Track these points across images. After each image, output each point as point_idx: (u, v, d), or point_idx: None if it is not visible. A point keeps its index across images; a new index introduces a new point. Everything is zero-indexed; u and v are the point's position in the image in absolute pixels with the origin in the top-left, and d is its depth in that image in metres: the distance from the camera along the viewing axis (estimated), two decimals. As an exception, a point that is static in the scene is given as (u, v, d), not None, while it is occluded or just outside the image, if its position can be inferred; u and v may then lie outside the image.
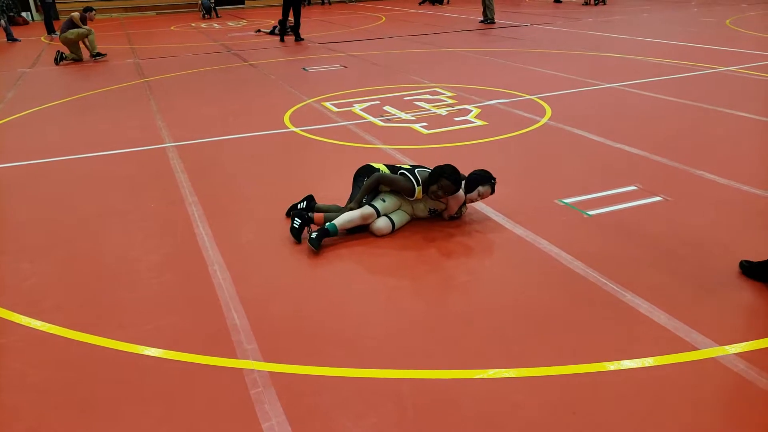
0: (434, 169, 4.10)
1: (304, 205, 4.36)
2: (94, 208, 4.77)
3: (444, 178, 4.01)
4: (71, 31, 11.63)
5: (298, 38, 13.82)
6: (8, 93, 9.24)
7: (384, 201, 4.13)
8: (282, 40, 13.87)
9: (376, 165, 4.32)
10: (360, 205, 4.11)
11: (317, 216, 4.16)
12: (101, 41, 14.44)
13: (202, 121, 7.26)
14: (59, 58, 11.66)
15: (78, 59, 11.88)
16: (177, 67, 10.94)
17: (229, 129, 6.81)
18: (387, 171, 4.24)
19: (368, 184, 4.12)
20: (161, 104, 8.14)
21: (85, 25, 11.88)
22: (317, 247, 3.88)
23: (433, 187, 4.08)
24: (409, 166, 4.26)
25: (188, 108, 7.97)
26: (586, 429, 2.42)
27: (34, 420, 2.57)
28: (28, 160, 6.00)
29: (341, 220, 4.03)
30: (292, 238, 4.08)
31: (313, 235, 3.92)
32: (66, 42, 11.70)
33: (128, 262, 3.89)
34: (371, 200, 4.15)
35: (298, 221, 4.09)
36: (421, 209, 4.28)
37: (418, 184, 4.10)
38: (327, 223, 4.03)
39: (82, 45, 12.10)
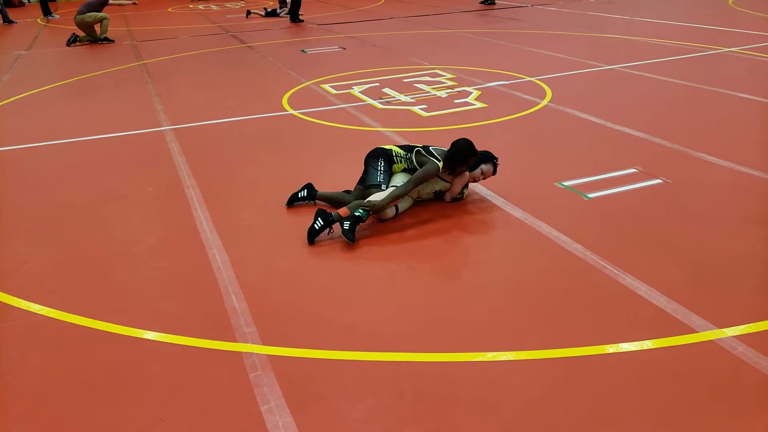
0: (460, 148, 4.05)
1: (305, 193, 4.30)
2: (91, 192, 4.75)
3: (481, 161, 4.20)
4: (90, 14, 11.49)
5: (295, 19, 13.69)
6: (4, 76, 9.17)
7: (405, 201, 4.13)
8: (293, 20, 13.79)
9: (387, 147, 4.27)
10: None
11: (342, 211, 3.92)
12: (98, 23, 14.30)
13: (200, 103, 7.22)
14: (72, 40, 11.55)
15: (94, 40, 11.77)
16: (174, 50, 10.85)
17: (227, 112, 6.77)
18: (400, 151, 4.21)
19: (405, 190, 3.95)
20: (159, 87, 8.08)
21: (102, 11, 11.72)
22: (353, 239, 3.73)
23: (461, 168, 4.10)
24: (420, 146, 4.22)
25: (186, 91, 7.92)
26: (584, 411, 2.42)
27: (32, 402, 2.58)
28: (25, 143, 5.97)
29: (378, 201, 3.89)
30: (305, 235, 3.84)
31: (346, 225, 3.75)
32: (81, 24, 11.53)
33: (126, 245, 3.88)
34: (389, 184, 4.11)
35: (320, 223, 3.80)
36: (427, 191, 4.25)
37: (439, 161, 4.06)
38: (357, 210, 3.85)
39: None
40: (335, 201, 4.25)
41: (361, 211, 3.86)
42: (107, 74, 9.04)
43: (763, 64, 8.09)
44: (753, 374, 2.59)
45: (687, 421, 2.36)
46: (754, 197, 4.25)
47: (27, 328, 3.10)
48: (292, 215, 4.20)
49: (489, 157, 4.28)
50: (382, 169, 4.16)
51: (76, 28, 11.72)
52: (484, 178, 4.31)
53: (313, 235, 3.79)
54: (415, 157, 4.14)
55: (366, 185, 4.14)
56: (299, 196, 4.31)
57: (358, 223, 3.84)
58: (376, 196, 3.94)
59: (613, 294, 3.19)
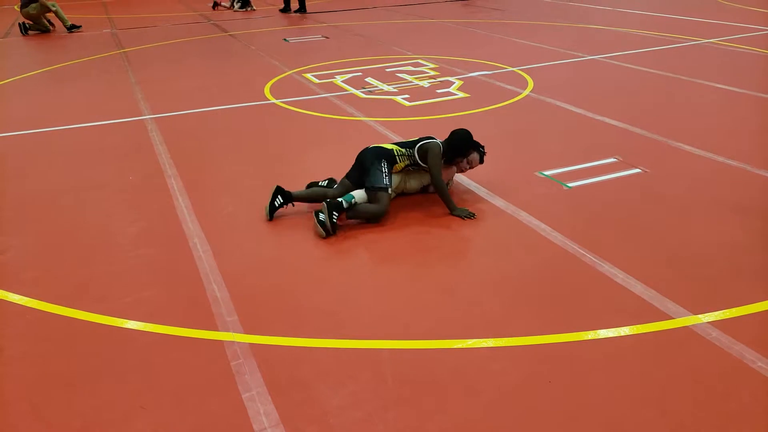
0: (457, 139, 4.11)
1: (280, 200, 3.98)
2: (71, 181, 4.70)
3: (475, 151, 4.17)
4: (32, 6, 11.17)
5: (302, 10, 13.48)
6: (-19, 63, 9.02)
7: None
8: (286, 11, 13.58)
9: (387, 147, 4.09)
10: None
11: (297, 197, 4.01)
12: (77, 11, 14.11)
13: (181, 92, 7.16)
14: (24, 29, 11.33)
15: (45, 30, 11.53)
16: (155, 38, 10.73)
17: (209, 101, 6.72)
18: (401, 150, 4.08)
19: (443, 194, 4.00)
20: (140, 75, 7.99)
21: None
22: (334, 229, 3.74)
23: (459, 159, 4.15)
24: (416, 139, 4.17)
25: (167, 79, 7.85)
26: (561, 397, 2.47)
27: (11, 393, 2.57)
28: (4, 132, 5.88)
29: (362, 206, 3.91)
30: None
31: (322, 217, 3.70)
32: (28, 16, 11.32)
33: (107, 234, 3.86)
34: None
35: (280, 200, 3.93)
36: (413, 186, 4.23)
37: (436, 139, 4.14)
38: (343, 197, 3.89)
39: (53, 18, 11.73)
40: (315, 197, 4.06)
41: (346, 196, 3.92)
42: (87, 62, 8.93)
43: (743, 56, 8.19)
44: (726, 359, 2.64)
45: (663, 404, 2.41)
46: (730, 186, 4.32)
47: (6, 317, 3.07)
48: (274, 204, 4.19)
49: (476, 146, 4.21)
50: (386, 170, 3.97)
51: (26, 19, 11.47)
52: (470, 167, 4.22)
53: (273, 211, 3.95)
54: (417, 152, 4.05)
55: (372, 187, 3.93)
56: (276, 204, 3.96)
57: (341, 211, 3.79)
58: (367, 207, 3.92)
59: (591, 281, 3.23)
